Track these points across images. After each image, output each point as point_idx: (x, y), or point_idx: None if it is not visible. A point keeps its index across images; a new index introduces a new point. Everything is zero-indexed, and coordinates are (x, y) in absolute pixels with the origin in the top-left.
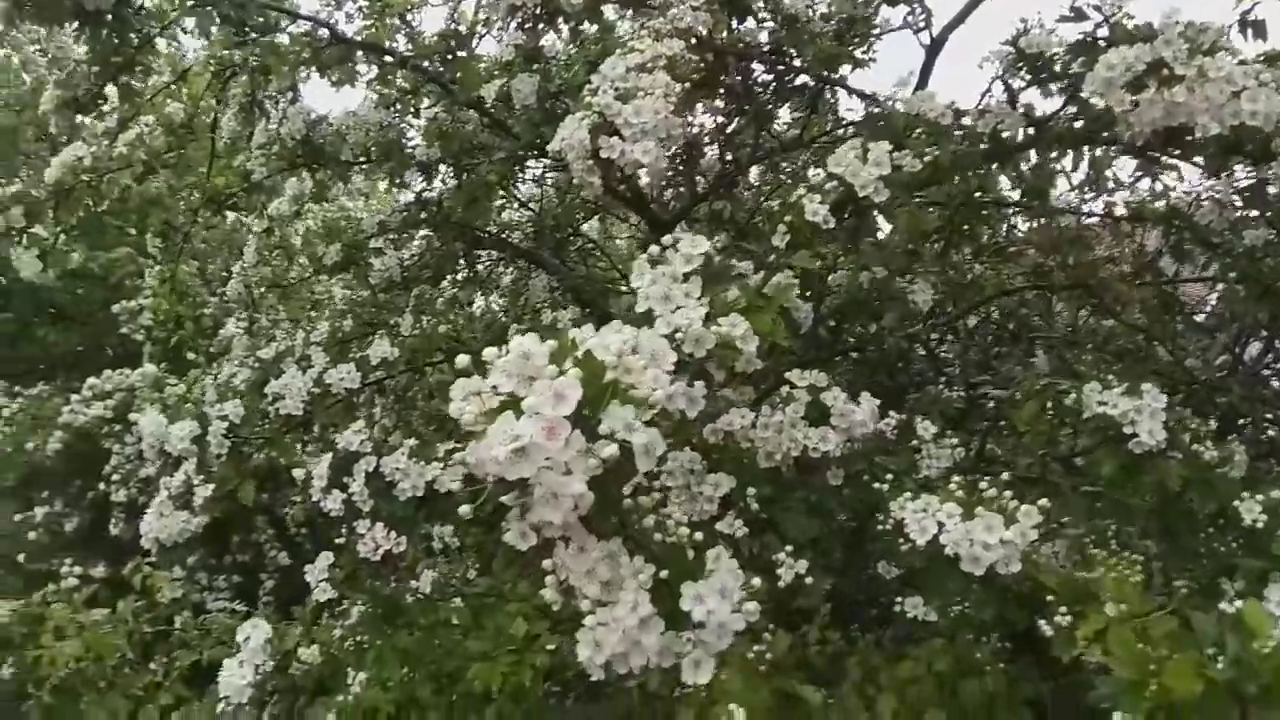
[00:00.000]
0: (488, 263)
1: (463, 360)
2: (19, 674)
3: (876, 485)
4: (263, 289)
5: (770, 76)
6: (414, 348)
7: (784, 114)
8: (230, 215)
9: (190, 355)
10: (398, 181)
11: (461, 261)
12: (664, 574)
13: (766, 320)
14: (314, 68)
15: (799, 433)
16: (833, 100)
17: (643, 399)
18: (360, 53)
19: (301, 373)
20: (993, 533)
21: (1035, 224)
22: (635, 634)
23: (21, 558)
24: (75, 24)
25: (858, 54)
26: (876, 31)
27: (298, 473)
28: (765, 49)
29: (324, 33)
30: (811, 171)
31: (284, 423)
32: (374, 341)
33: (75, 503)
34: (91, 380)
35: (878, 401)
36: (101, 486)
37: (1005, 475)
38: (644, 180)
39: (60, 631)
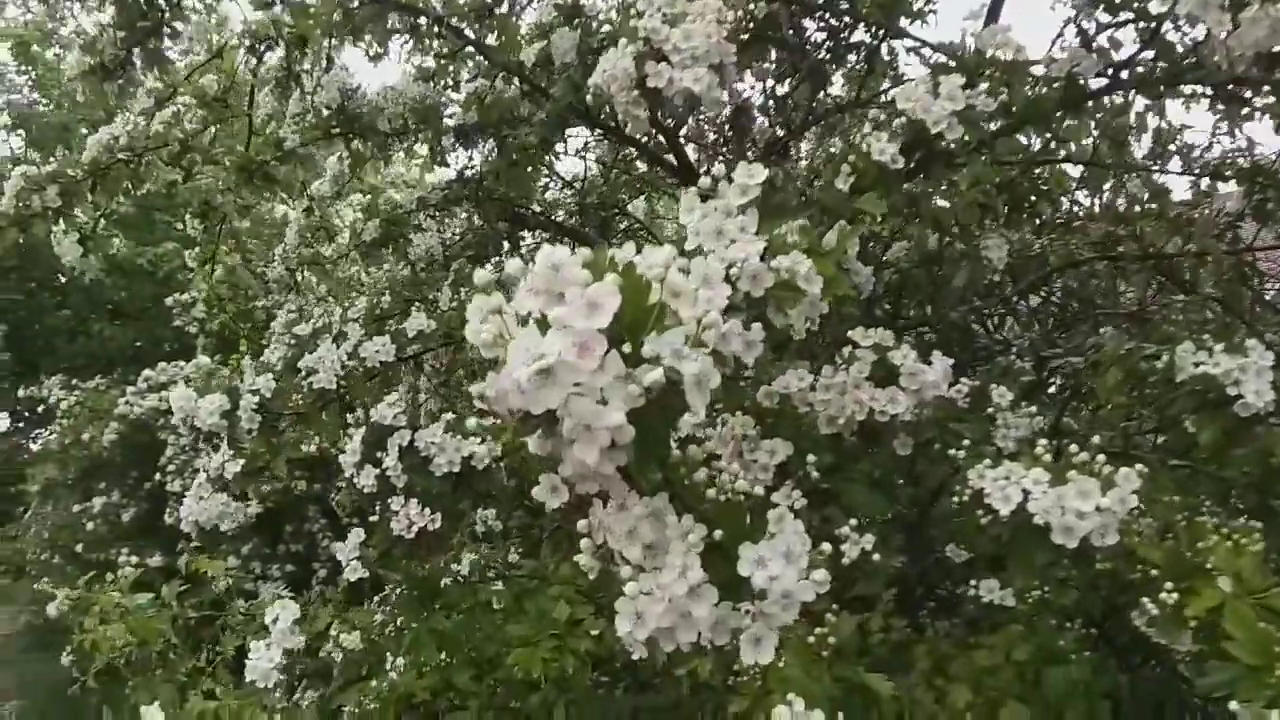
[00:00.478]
0: (532, 244)
1: (482, 276)
2: (75, 660)
3: (951, 453)
4: (304, 271)
5: (825, 34)
6: (452, 321)
7: (838, 80)
8: (280, 208)
9: (243, 346)
10: (438, 156)
11: (505, 243)
12: (717, 535)
13: (830, 264)
14: (348, 32)
15: (864, 394)
16: (891, 58)
17: (693, 325)
18: (394, 16)
19: (336, 347)
20: (1088, 499)
21: (1105, 190)
22: (684, 604)
23: (80, 548)
24: None
25: (917, 4)
26: None
27: (344, 459)
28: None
29: None
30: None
31: (317, 397)
32: (411, 315)
33: (132, 493)
34: (146, 372)
35: (950, 361)
36: (157, 477)
37: (1096, 440)
38: (702, 111)
39: (106, 617)
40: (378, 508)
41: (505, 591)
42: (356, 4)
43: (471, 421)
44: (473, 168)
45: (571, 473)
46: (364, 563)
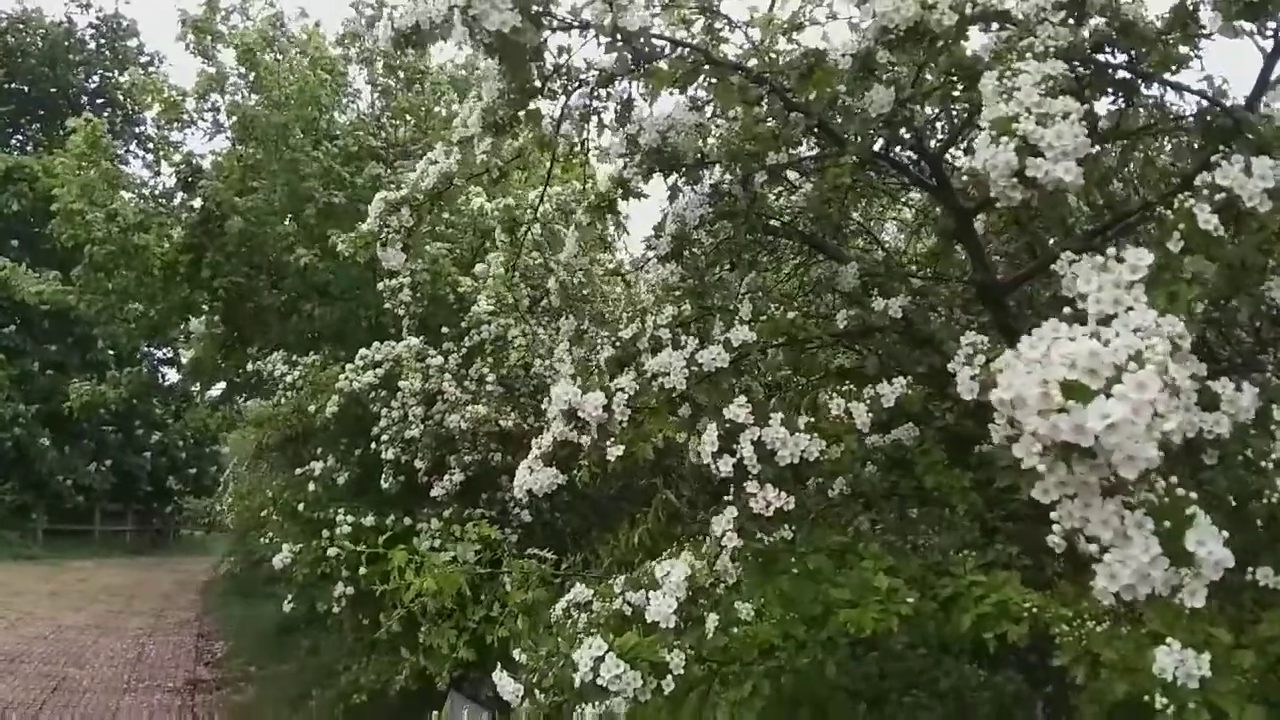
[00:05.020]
0: (774, 255)
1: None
2: (295, 609)
3: None
4: (581, 279)
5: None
6: (762, 333)
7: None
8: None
9: (444, 329)
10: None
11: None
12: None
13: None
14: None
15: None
16: (1161, 95)
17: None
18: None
19: (674, 350)
20: None
21: None
22: (1146, 568)
23: (300, 507)
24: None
25: (1182, 50)
26: (1206, 31)
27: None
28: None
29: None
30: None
31: (666, 396)
32: (734, 328)
33: (345, 460)
34: (363, 351)
35: None
36: (372, 446)
37: None
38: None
39: (402, 571)
40: (731, 489)
41: (827, 561)
42: (697, 67)
43: (800, 422)
44: (725, 184)
45: (1055, 484)
46: (740, 534)
